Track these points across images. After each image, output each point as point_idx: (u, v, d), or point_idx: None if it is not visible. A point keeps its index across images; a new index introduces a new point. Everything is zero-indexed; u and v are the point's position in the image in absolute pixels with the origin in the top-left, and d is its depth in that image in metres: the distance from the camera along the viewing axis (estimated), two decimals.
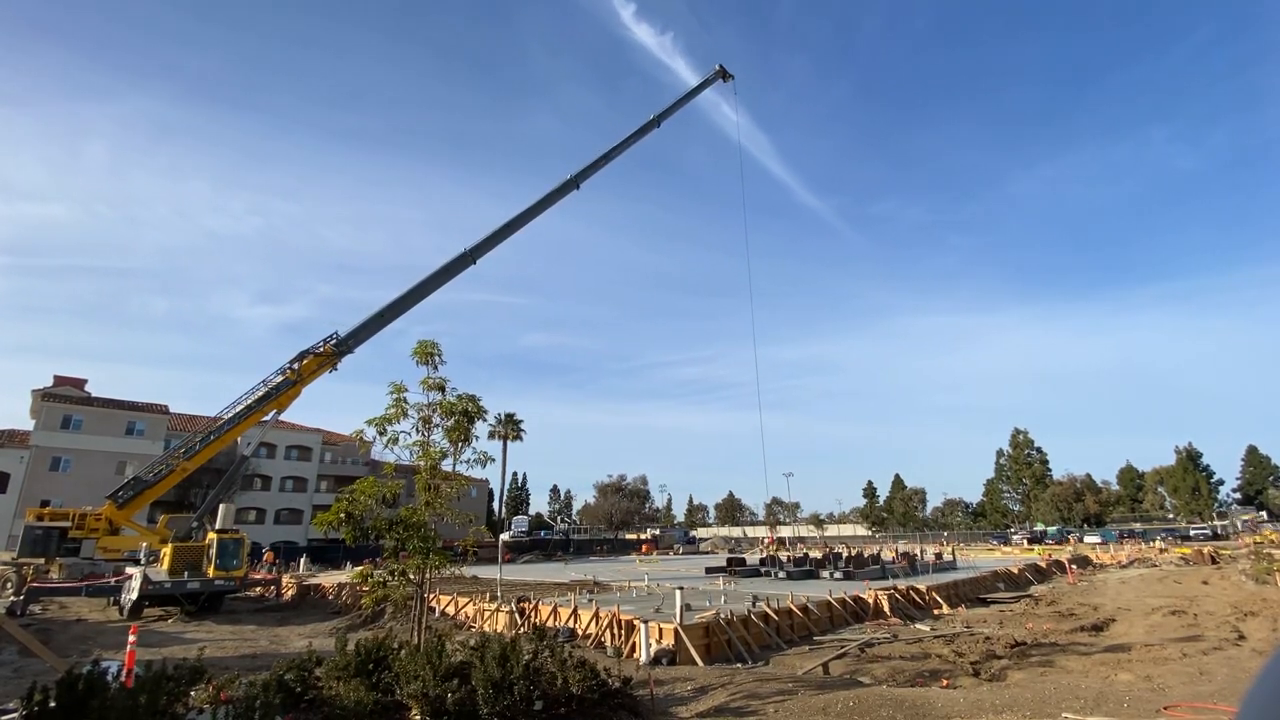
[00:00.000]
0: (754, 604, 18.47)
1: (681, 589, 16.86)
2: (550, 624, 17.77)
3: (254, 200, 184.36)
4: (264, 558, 45.63)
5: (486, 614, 20.19)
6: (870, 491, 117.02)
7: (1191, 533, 69.84)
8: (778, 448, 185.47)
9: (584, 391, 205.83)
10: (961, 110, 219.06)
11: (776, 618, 17.47)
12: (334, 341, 31.20)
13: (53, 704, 6.25)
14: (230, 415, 30.96)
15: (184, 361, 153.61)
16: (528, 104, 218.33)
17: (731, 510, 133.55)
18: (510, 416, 69.57)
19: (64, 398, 53.38)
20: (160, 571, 24.62)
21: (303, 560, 46.00)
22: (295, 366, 30.53)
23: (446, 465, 11.98)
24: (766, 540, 75.03)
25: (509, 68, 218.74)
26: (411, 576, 11.10)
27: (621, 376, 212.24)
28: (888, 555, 35.44)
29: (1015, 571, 32.06)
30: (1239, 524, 74.78)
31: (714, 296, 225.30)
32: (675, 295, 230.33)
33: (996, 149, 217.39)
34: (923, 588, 23.96)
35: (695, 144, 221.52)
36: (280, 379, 30.66)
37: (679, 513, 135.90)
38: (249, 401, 30.83)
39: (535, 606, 19.40)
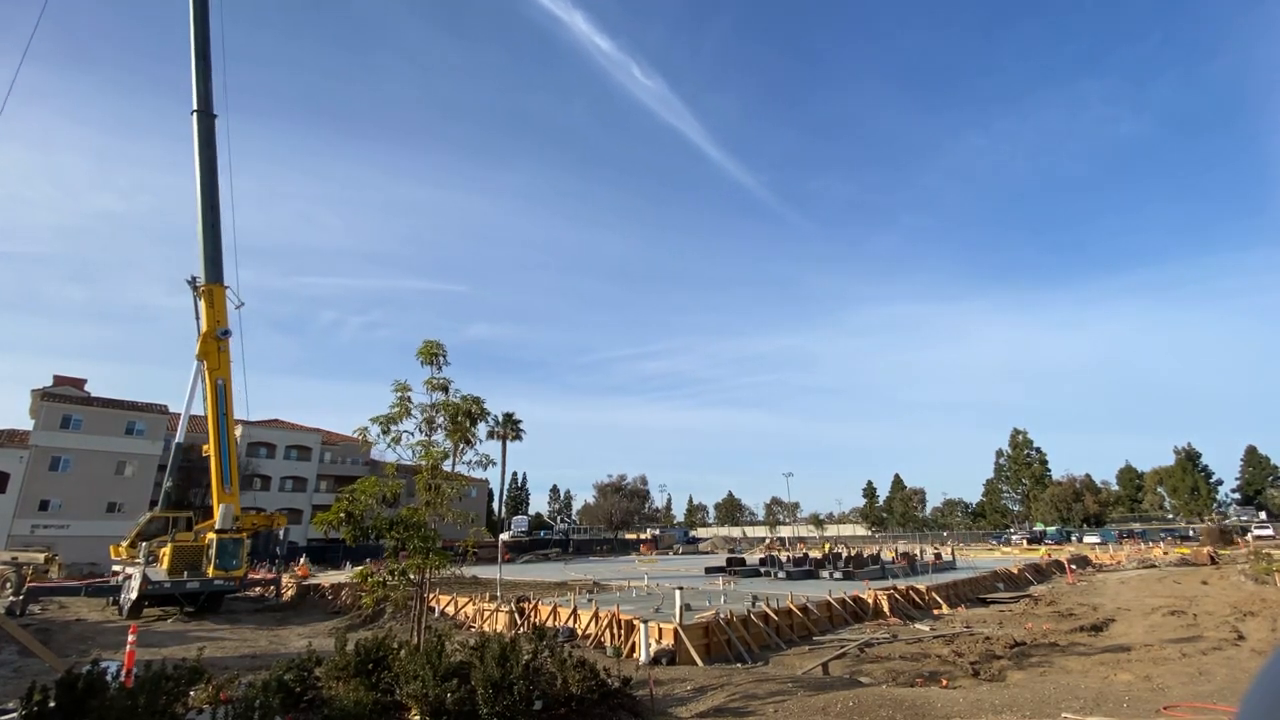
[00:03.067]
0: (754, 604, 18.47)
1: (681, 589, 16.86)
2: (550, 624, 17.76)
3: (138, 176, 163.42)
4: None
5: (486, 614, 20.19)
6: (870, 491, 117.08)
7: (1191, 533, 70.11)
8: (774, 447, 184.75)
9: (550, 387, 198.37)
10: (865, 62, 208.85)
11: (776, 618, 17.46)
12: (195, 280, 30.20)
13: (52, 704, 6.25)
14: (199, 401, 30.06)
15: (111, 353, 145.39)
16: (382, 59, 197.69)
17: (731, 510, 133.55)
18: (510, 416, 69.56)
19: (63, 397, 53.33)
20: (160, 571, 24.60)
21: (302, 560, 46.05)
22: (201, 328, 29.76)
23: (447, 466, 11.98)
24: (769, 542, 76.20)
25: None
26: (411, 576, 11.11)
27: (582, 372, 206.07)
28: (887, 555, 35.45)
29: (1015, 571, 32.06)
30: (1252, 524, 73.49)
31: (649, 286, 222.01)
32: (612, 284, 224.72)
33: (915, 108, 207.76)
34: (922, 588, 23.96)
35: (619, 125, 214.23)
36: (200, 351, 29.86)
37: (679, 513, 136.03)
38: (194, 377, 30.10)
39: (535, 606, 19.39)
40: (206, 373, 29.39)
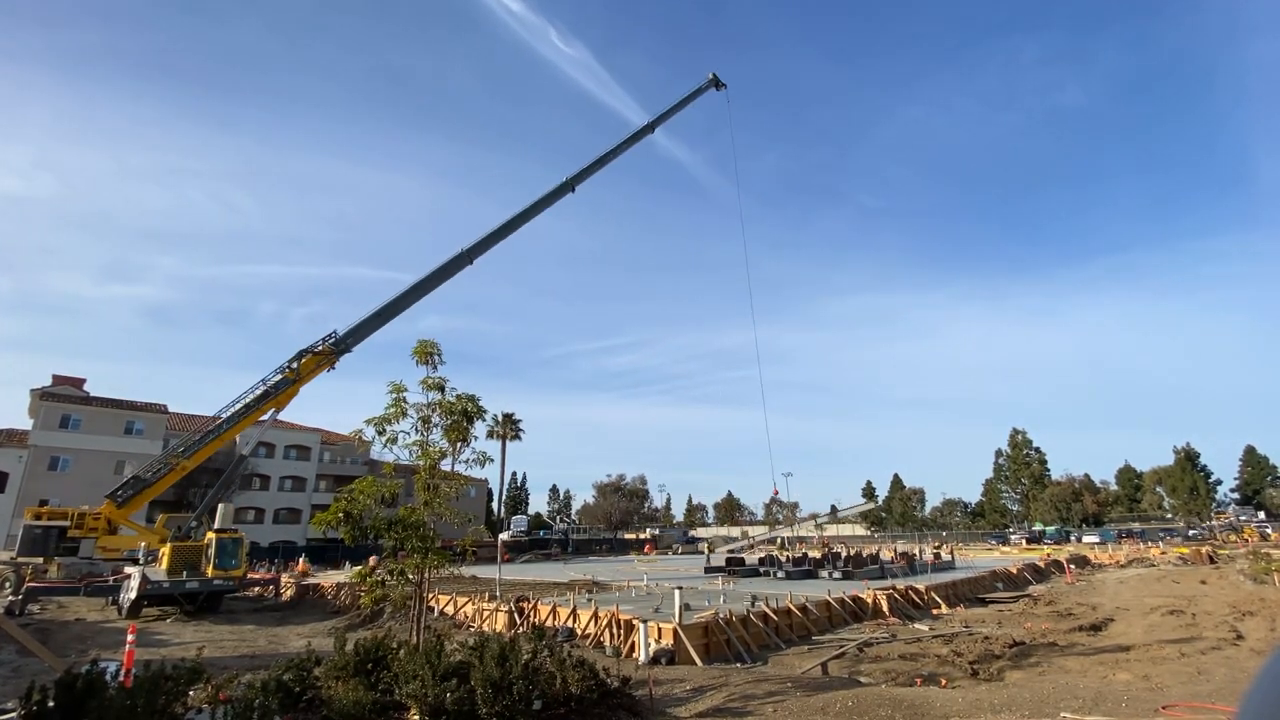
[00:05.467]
0: (753, 604, 18.47)
1: (680, 589, 16.85)
2: (549, 624, 17.77)
3: (36, 153, 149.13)
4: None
5: (486, 614, 20.19)
6: (869, 491, 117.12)
7: (1190, 533, 70.20)
8: (767, 446, 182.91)
9: (519, 383, 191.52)
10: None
11: (775, 617, 17.46)
12: (333, 341, 31.61)
13: (51, 704, 6.25)
14: (229, 414, 31.24)
15: (47, 347, 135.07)
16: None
17: (731, 510, 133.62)
18: (509, 416, 69.59)
19: (63, 397, 53.27)
20: (159, 571, 24.59)
21: (302, 560, 46.02)
22: (294, 365, 30.81)
23: (445, 465, 11.96)
24: (755, 542, 76.63)
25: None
26: (410, 576, 11.10)
27: (545, 367, 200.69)
28: (886, 555, 35.45)
29: (1014, 571, 32.08)
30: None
31: (597, 273, 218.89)
32: (560, 269, 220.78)
33: (838, 68, 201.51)
34: (921, 587, 23.96)
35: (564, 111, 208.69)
36: (279, 378, 31.00)
37: (678, 513, 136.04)
38: (248, 400, 31.17)
39: (534, 606, 19.39)
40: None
